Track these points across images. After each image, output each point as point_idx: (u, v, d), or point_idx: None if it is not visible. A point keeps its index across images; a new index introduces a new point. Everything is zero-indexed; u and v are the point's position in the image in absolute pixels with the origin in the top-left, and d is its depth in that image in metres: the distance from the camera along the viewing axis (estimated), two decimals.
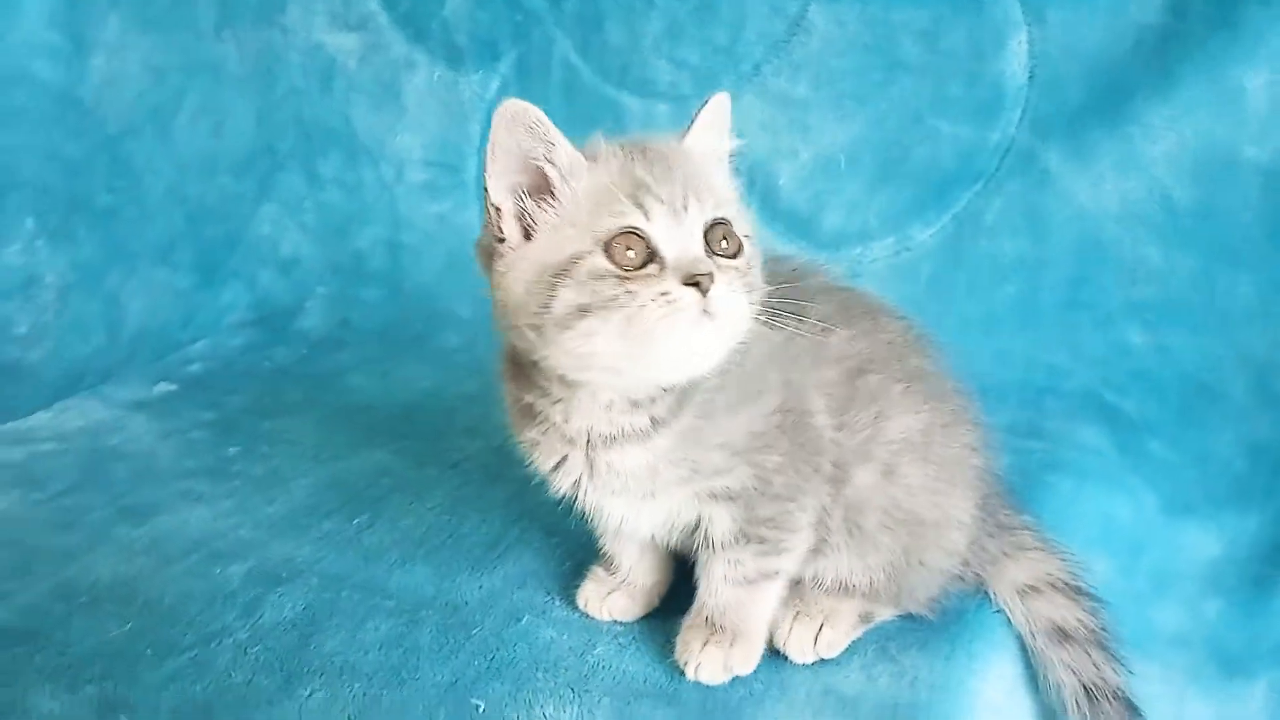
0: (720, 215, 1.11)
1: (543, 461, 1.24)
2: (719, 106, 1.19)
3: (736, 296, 1.07)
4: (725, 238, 1.11)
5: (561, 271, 1.07)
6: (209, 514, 1.66)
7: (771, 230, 2.19)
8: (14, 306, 2.42)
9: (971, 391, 1.42)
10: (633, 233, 1.06)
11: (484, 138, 2.43)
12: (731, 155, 1.22)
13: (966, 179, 2.08)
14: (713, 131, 1.18)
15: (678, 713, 1.22)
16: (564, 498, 1.27)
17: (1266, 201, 1.86)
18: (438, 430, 1.92)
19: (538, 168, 1.09)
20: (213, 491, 1.73)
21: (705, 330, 1.06)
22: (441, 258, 2.49)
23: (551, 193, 1.10)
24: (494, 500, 1.66)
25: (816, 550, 1.30)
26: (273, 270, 2.63)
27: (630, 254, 1.06)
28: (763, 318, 1.12)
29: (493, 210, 1.11)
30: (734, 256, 1.11)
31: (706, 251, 1.09)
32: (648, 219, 1.07)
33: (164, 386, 2.20)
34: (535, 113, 1.07)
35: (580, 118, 2.35)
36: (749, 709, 1.23)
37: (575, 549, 1.50)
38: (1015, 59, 2.00)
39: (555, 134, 1.08)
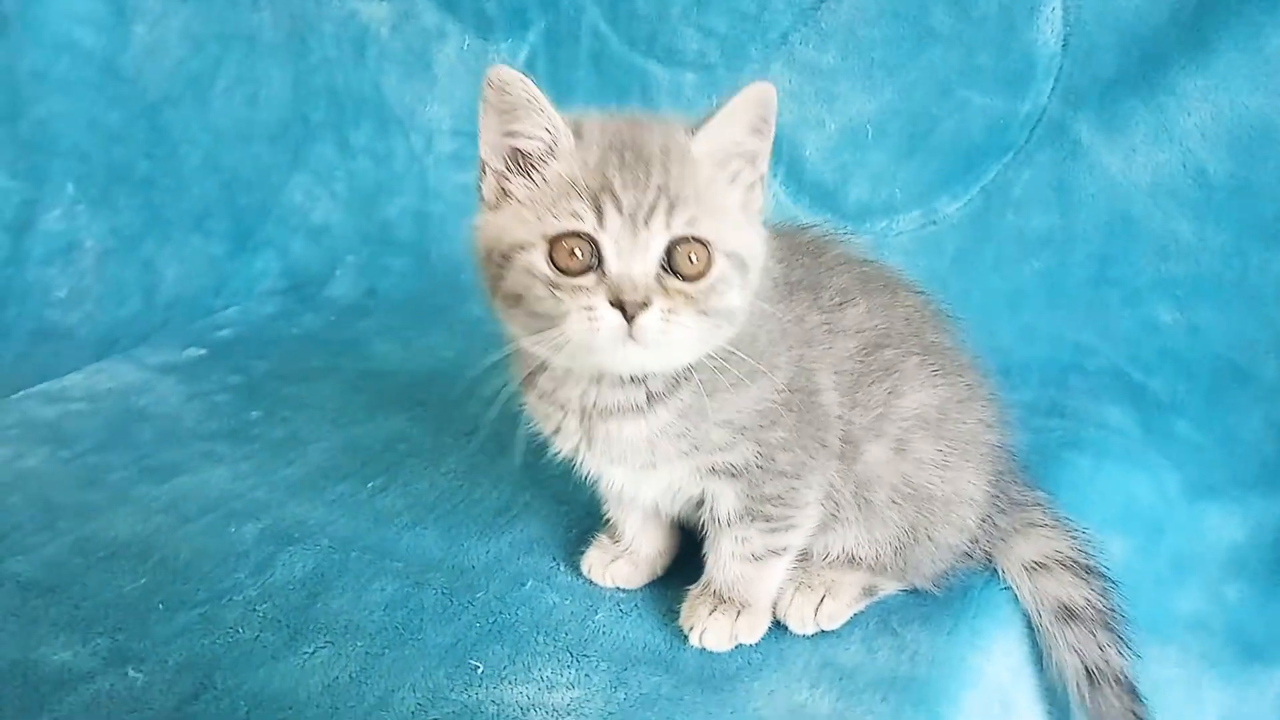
0: (693, 232, 1.03)
1: (542, 425, 1.24)
2: (754, 99, 1.07)
3: (673, 326, 1.02)
4: (693, 257, 1.04)
5: (505, 257, 1.06)
6: (228, 475, 1.69)
7: (797, 202, 2.18)
8: (54, 271, 2.48)
9: (989, 367, 1.40)
10: (581, 235, 1.03)
11: None
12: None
13: (995, 151, 2.03)
14: (738, 127, 1.08)
15: (675, 679, 1.22)
16: (568, 462, 1.27)
17: None
18: (456, 398, 1.93)
19: (519, 140, 1.08)
20: (233, 453, 1.76)
21: (630, 350, 1.03)
22: (468, 228, 2.50)
23: (532, 167, 1.08)
24: (507, 468, 1.67)
25: (827, 524, 1.30)
26: (304, 239, 2.65)
27: (575, 257, 1.03)
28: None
29: (480, 165, 1.11)
30: (698, 278, 1.04)
31: (663, 269, 1.03)
32: (601, 226, 1.02)
33: (194, 351, 2.23)
34: (525, 86, 1.05)
35: (608, 87, 2.35)
36: (746, 677, 1.23)
37: (583, 517, 1.51)
38: (1048, 27, 1.95)
39: (542, 110, 1.05)
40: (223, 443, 1.80)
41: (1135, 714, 1.23)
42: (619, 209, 1.02)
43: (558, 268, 1.03)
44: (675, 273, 1.03)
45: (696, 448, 1.19)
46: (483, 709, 1.18)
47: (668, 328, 1.02)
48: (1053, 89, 1.97)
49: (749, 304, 1.11)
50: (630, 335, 1.01)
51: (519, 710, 1.18)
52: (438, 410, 1.90)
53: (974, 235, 2.07)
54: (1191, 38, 1.83)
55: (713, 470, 1.22)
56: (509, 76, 1.04)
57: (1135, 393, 1.90)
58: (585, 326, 1.01)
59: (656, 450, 1.19)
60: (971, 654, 1.26)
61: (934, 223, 2.10)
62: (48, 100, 2.52)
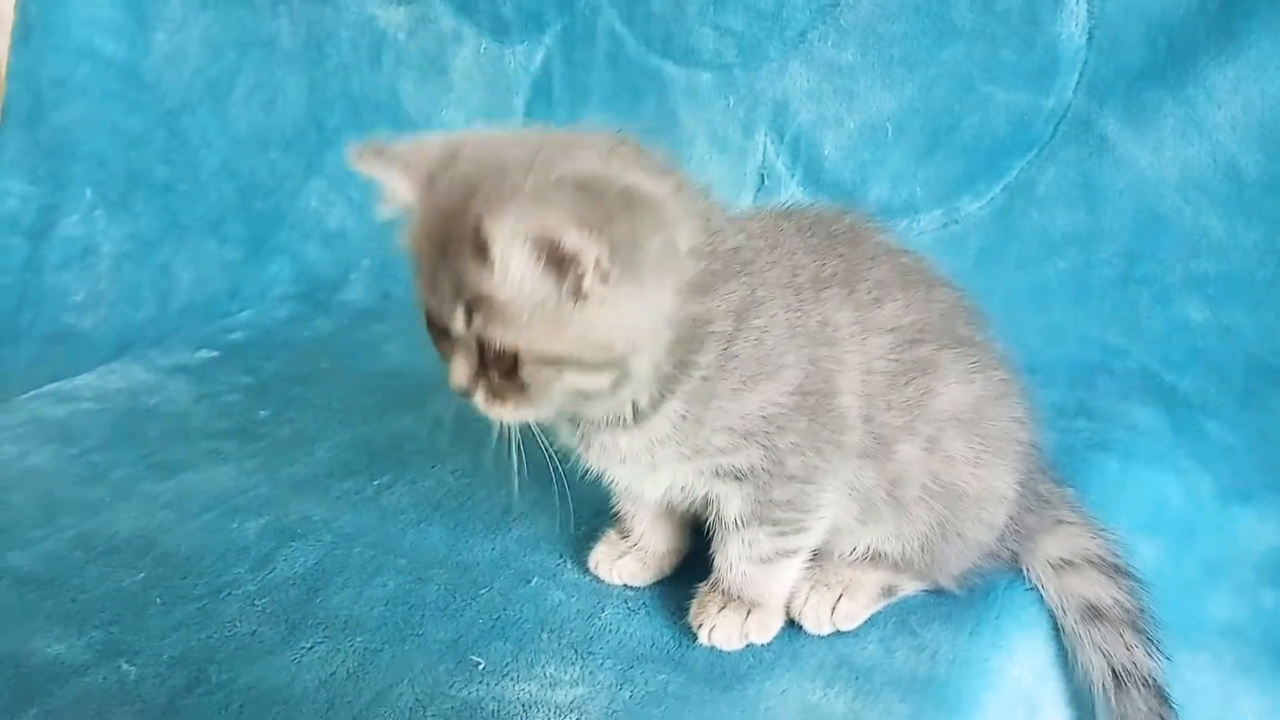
0: (489, 338, 0.97)
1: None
2: (509, 246, 0.93)
3: (506, 409, 1.04)
4: (501, 357, 0.98)
5: None
6: (233, 472, 1.66)
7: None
8: (71, 275, 2.48)
9: (1019, 366, 1.35)
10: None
11: (528, 111, 2.42)
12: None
13: (1019, 147, 1.99)
14: (517, 264, 0.94)
15: (683, 677, 1.18)
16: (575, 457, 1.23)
17: None
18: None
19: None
20: (239, 451, 1.74)
21: None
22: None
23: None
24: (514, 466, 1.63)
25: (853, 525, 1.25)
26: (319, 244, 2.64)
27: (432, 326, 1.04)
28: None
29: None
30: (510, 376, 0.99)
31: (482, 360, 1.01)
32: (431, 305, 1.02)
33: (205, 353, 2.22)
34: (361, 160, 1.03)
35: (625, 88, 2.32)
36: (757, 676, 1.18)
37: (591, 515, 1.46)
38: (1073, 20, 1.91)
39: (384, 177, 1.02)
40: (230, 441, 1.78)
41: (1163, 718, 1.17)
42: (428, 298, 1.01)
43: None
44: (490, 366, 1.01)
45: (698, 451, 1.13)
46: (483, 706, 1.14)
47: (501, 410, 1.04)
48: (1078, 83, 1.93)
49: (640, 363, 1.03)
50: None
51: (520, 708, 1.13)
52: (447, 409, 1.86)
53: (998, 234, 2.02)
54: (1220, 28, 1.78)
55: (717, 473, 1.16)
56: (350, 153, 1.03)
57: (1165, 394, 1.84)
58: None
59: (655, 454, 1.14)
60: (994, 655, 1.22)
61: (956, 222, 2.05)
62: (68, 106, 2.53)
